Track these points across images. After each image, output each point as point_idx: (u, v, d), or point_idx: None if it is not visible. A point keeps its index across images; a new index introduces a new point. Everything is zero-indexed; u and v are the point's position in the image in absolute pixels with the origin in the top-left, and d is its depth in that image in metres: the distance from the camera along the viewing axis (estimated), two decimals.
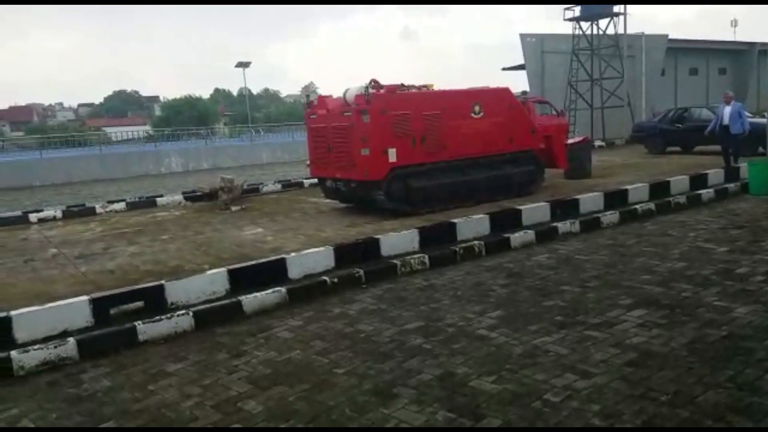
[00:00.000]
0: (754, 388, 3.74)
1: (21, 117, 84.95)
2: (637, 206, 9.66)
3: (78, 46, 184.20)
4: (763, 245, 7.24)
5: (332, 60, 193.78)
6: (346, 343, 4.96)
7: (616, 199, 10.01)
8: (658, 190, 10.64)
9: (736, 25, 78.39)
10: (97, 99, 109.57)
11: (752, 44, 33.84)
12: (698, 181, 11.42)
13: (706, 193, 10.61)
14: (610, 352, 4.41)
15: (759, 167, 10.89)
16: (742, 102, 18.26)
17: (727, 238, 7.76)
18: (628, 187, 10.53)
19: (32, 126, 76.15)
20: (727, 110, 14.27)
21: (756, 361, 4.12)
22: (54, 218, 13.08)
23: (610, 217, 9.10)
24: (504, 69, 33.46)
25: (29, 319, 5.32)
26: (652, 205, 9.72)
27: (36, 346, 4.94)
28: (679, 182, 11.11)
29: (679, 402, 3.62)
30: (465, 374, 4.21)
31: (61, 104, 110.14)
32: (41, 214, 13.16)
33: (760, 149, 14.22)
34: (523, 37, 28.09)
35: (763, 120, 14.71)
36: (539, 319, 5.22)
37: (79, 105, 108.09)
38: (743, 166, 11.83)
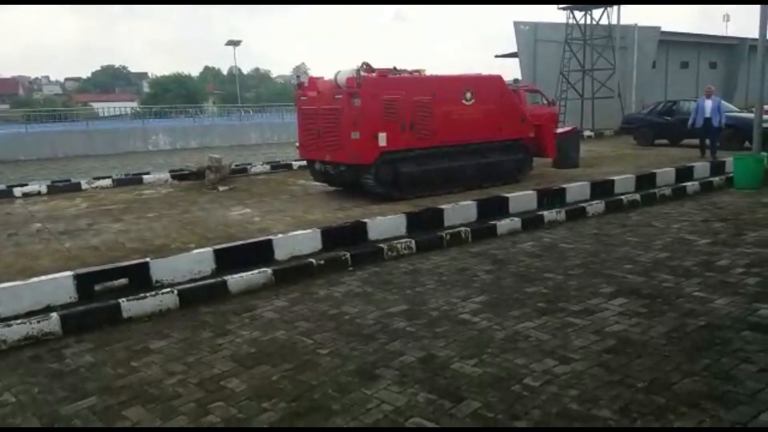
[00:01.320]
0: (729, 377, 3.82)
1: (6, 90, 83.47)
2: (622, 197, 9.75)
3: (66, 19, 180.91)
4: (745, 238, 7.35)
5: (325, 42, 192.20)
6: (331, 325, 4.99)
7: (602, 189, 10.09)
8: (645, 181, 10.74)
9: (728, 20, 78.96)
10: (85, 73, 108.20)
11: (743, 39, 33.96)
12: (684, 173, 11.54)
13: (691, 185, 10.72)
14: (589, 339, 4.48)
15: (745, 161, 11.01)
16: (731, 96, 18.50)
17: (710, 230, 7.86)
18: (615, 177, 10.60)
19: (18, 99, 74.98)
20: (709, 103, 14.43)
21: (732, 351, 4.21)
22: (39, 193, 12.96)
23: (596, 206, 9.18)
24: (497, 56, 33.56)
25: (12, 294, 5.29)
26: (637, 196, 9.81)
27: (19, 321, 4.92)
28: (665, 174, 11.22)
29: (655, 389, 3.70)
30: (447, 357, 4.27)
31: (47, 78, 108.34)
32: (26, 189, 13.02)
33: (747, 144, 14.38)
34: (516, 24, 27.97)
35: (751, 115, 14.87)
36: (522, 305, 5.28)
37: (66, 79, 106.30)
38: (729, 159, 11.96)
